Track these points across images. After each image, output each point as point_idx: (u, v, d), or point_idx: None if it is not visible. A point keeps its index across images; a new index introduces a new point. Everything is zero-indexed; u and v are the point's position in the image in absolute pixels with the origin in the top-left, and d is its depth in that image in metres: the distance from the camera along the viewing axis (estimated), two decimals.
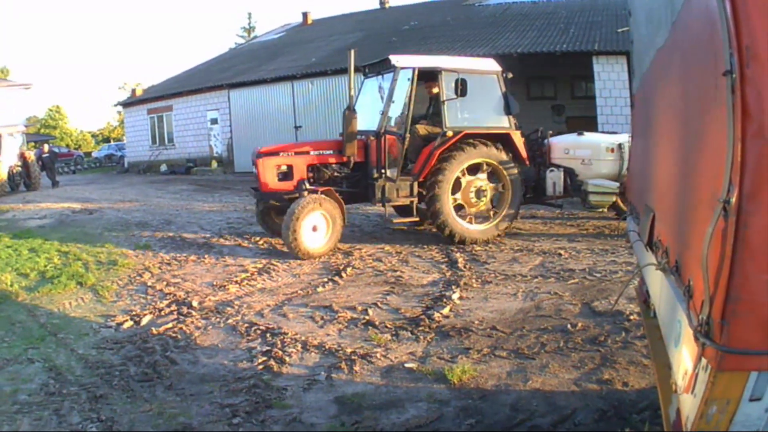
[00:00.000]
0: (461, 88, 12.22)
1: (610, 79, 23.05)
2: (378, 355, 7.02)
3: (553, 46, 24.52)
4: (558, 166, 14.24)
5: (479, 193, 13.46)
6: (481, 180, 13.32)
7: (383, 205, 13.11)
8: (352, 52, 13.01)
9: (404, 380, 6.39)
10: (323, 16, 50.79)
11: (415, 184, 13.04)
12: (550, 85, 29.81)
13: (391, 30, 35.00)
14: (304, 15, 49.86)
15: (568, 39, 25.33)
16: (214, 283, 10.49)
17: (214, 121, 31.52)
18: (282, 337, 7.75)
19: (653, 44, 4.70)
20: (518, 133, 13.63)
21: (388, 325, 7.98)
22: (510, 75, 13.84)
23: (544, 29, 27.69)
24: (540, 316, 8.02)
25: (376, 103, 13.98)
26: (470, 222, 13.22)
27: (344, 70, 27.94)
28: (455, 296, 9.01)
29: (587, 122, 24.26)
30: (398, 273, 10.67)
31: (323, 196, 12.36)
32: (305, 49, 34.19)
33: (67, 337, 8.06)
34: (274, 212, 14.00)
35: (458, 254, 11.77)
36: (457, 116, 13.23)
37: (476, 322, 7.91)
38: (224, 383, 6.54)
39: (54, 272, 11.36)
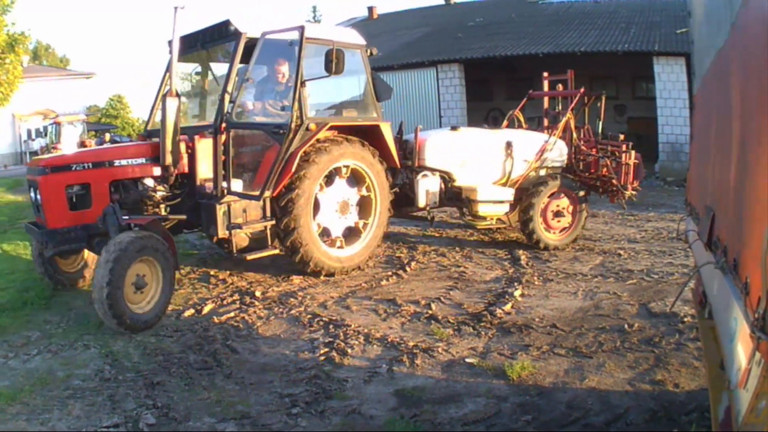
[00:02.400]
0: (336, 62, 8.73)
1: (670, 80, 22.66)
2: (439, 350, 6.99)
3: (615, 46, 24.21)
4: (431, 170, 11.71)
5: (344, 207, 10.71)
6: (344, 189, 10.56)
7: (228, 236, 9.30)
8: (176, 8, 8.86)
9: (464, 375, 6.36)
10: (389, 11, 50.78)
11: (268, 201, 9.67)
12: (612, 84, 29.43)
13: (456, 26, 34.83)
14: (370, 9, 49.44)
15: (628, 39, 25.00)
16: (278, 274, 10.46)
17: None
18: (345, 329, 7.75)
19: (713, 45, 4.65)
20: (388, 125, 10.87)
21: (451, 320, 7.95)
22: (375, 51, 11.31)
23: (606, 28, 27.38)
24: (598, 315, 7.95)
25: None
26: (340, 246, 10.52)
27: (410, 65, 28.05)
28: (517, 293, 8.97)
29: (648, 123, 24.00)
30: (462, 269, 10.63)
31: (148, 232, 8.14)
32: (371, 43, 34.19)
33: None
34: (62, 255, 9.48)
35: (521, 252, 11.66)
36: (316, 103, 10.70)
37: (537, 319, 7.87)
38: (285, 373, 6.55)
39: None
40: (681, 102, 22.25)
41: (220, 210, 9.17)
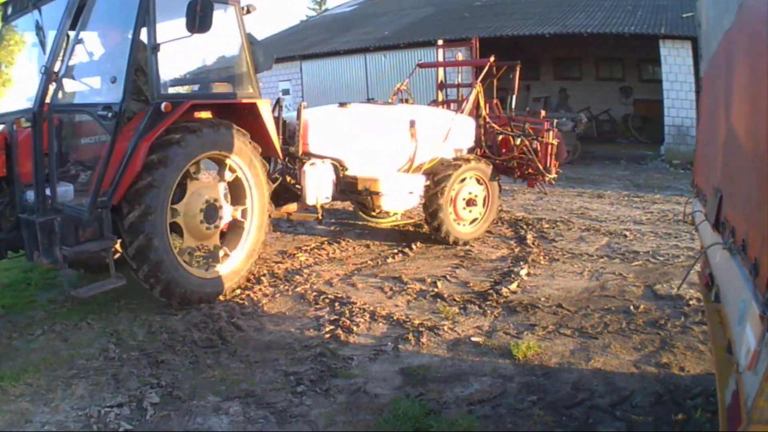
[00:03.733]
0: (202, 17, 6.70)
1: (676, 64, 22.48)
2: (445, 328, 6.95)
3: (621, 28, 24.00)
4: (320, 157, 9.76)
5: (211, 212, 8.00)
6: (208, 186, 8.05)
7: (60, 259, 6.65)
8: None
9: (470, 354, 6.33)
10: None
11: (108, 214, 7.03)
12: (618, 66, 29.31)
13: (463, 6, 34.41)
14: None
15: (635, 21, 24.77)
16: (284, 251, 10.42)
17: (285, 92, 31.39)
18: (350, 306, 7.71)
19: (720, 26, 4.58)
20: (267, 103, 8.56)
21: (457, 299, 7.90)
22: (253, 9, 8.50)
23: (612, 10, 27.10)
24: (604, 296, 7.88)
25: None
26: (225, 255, 8.31)
27: (416, 44, 27.77)
28: (523, 272, 8.89)
29: (654, 105, 23.86)
30: (467, 247, 10.53)
31: None
32: (377, 22, 33.90)
33: (130, 303, 8.05)
34: None
35: (527, 231, 11.53)
36: (172, 75, 8.13)
37: (543, 299, 7.81)
38: (290, 351, 6.53)
39: None
40: (687, 85, 22.07)
41: (43, 228, 6.59)
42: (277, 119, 9.36)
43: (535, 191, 13.80)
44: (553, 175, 11.77)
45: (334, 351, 6.43)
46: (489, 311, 7.46)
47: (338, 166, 10.09)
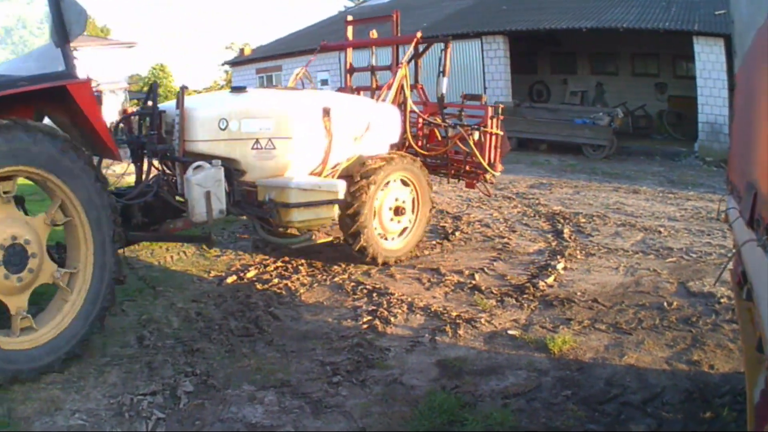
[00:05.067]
0: None
1: (709, 61, 22.22)
2: (482, 321, 6.94)
3: (656, 24, 23.80)
4: (208, 158, 7.43)
5: (21, 255, 5.53)
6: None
7: None
8: None
9: (506, 347, 6.32)
10: None
11: None
12: (654, 62, 29.00)
13: None
14: None
15: (669, 17, 24.49)
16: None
17: (324, 82, 31.30)
18: (388, 297, 7.67)
19: (754, 23, 4.58)
20: (87, 85, 6.06)
21: (494, 291, 7.87)
22: None
23: (647, 6, 26.75)
24: (639, 292, 7.83)
25: None
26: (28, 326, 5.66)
27: (456, 36, 27.34)
28: (560, 266, 8.85)
29: (689, 102, 23.64)
30: (505, 240, 10.49)
31: None
32: (416, 14, 33.62)
33: (166, 290, 8.05)
34: None
35: (564, 225, 11.45)
36: None
37: (578, 293, 7.78)
38: (327, 341, 6.51)
39: None
40: (720, 83, 21.83)
41: None
42: (152, 109, 7.57)
43: (572, 185, 13.57)
44: (497, 173, 10.33)
45: (371, 342, 6.42)
46: (526, 304, 7.44)
47: (232, 170, 7.83)
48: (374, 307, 7.34)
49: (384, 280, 8.38)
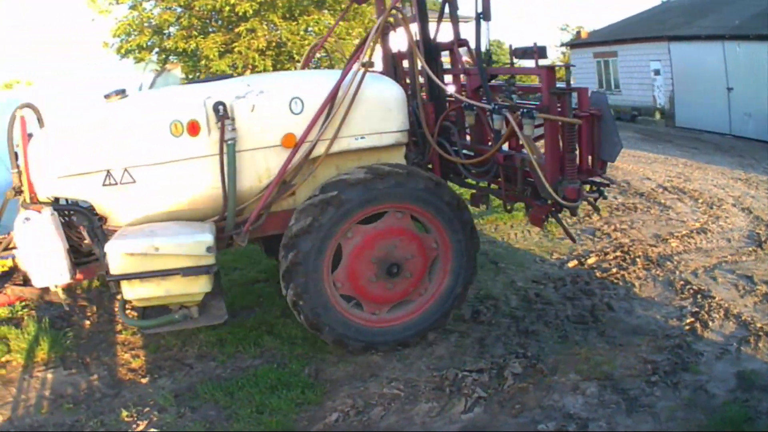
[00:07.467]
0: None
1: None
2: None
3: None
4: (51, 204, 5.67)
5: None
6: None
7: None
8: None
9: None
10: None
11: None
12: None
13: None
14: None
15: None
16: (658, 235, 10.36)
17: (656, 72, 30.10)
18: (710, 300, 7.58)
19: None
20: None
21: None
22: None
23: None
24: None
25: None
26: None
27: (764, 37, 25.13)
28: None
29: None
30: None
31: None
32: (729, 9, 31.21)
33: (507, 267, 8.50)
34: None
35: None
36: None
37: None
38: (653, 338, 6.60)
39: None
40: None
41: None
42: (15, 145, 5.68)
43: None
44: (576, 203, 6.10)
45: (690, 344, 6.46)
46: None
47: (89, 217, 5.87)
48: (697, 309, 7.35)
49: (708, 282, 8.24)
